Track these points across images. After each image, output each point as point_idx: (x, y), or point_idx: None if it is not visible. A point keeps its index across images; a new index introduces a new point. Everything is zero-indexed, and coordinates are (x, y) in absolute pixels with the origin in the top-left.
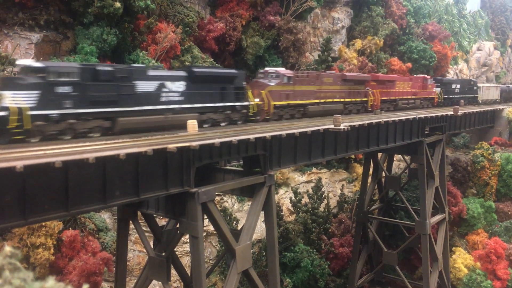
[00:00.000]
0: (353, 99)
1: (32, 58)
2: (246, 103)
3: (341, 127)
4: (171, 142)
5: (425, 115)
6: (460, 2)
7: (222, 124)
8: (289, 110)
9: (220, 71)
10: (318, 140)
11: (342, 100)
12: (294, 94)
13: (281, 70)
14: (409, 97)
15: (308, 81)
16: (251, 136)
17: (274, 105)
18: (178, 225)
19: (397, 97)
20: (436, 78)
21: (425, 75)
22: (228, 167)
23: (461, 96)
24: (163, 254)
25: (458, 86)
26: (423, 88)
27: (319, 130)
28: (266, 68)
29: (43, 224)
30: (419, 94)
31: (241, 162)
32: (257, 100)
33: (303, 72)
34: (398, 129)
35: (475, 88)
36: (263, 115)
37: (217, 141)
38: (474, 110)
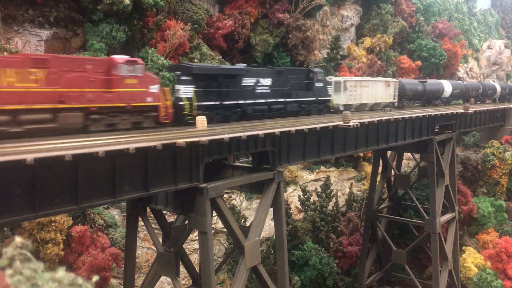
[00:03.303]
0: None
1: None
2: None
3: (351, 123)
4: (180, 137)
5: (435, 113)
6: (470, 0)
7: None
8: None
9: None
10: (327, 137)
11: None
12: None
13: None
14: (24, 107)
15: None
16: (260, 132)
17: None
18: (186, 221)
19: None
20: (184, 65)
21: (118, 56)
22: (236, 164)
23: (277, 101)
24: (172, 250)
25: (268, 80)
26: (110, 85)
27: (328, 126)
28: None
29: (53, 219)
30: (92, 100)
31: (250, 158)
32: None
33: None
34: (407, 126)
35: (318, 85)
36: None
37: (226, 136)
38: (485, 108)
